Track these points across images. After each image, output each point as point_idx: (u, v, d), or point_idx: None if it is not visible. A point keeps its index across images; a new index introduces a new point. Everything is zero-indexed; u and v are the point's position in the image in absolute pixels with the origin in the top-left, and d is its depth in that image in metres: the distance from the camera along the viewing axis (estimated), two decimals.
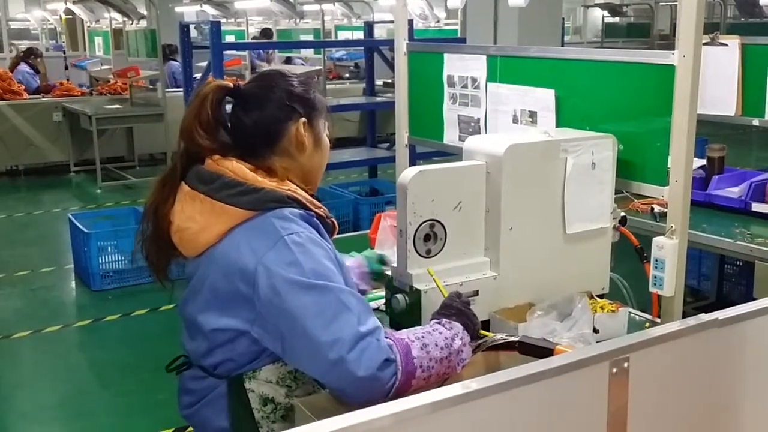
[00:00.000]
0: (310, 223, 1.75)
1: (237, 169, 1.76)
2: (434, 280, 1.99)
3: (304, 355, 1.63)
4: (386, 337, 1.64)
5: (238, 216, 1.71)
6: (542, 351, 1.74)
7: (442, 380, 1.68)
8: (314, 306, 1.61)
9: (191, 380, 1.86)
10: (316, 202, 1.82)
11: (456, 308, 1.81)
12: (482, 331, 1.84)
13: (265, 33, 13.67)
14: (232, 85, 1.87)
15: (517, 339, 1.81)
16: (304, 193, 1.81)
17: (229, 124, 1.87)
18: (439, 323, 1.76)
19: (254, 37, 13.59)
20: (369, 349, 1.58)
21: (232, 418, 1.79)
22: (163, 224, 1.80)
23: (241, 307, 1.70)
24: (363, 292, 2.16)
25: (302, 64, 12.39)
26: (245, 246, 1.68)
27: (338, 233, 1.96)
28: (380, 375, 1.57)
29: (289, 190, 1.77)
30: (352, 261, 2.26)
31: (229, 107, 1.90)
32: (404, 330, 1.73)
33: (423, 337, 1.69)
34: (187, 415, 1.88)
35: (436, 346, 1.68)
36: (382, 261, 2.30)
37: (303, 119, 1.84)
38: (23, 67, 10.66)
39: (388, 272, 2.17)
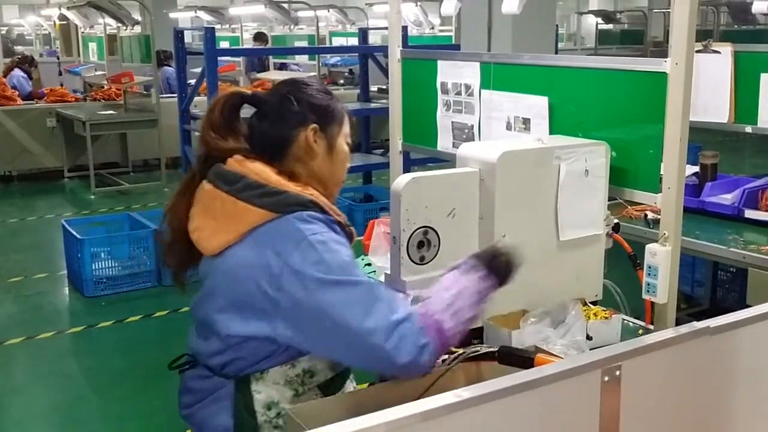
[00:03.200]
0: (331, 227, 1.76)
1: (261, 171, 1.78)
2: None
3: (342, 349, 1.68)
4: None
5: (258, 217, 1.73)
6: (523, 360, 1.73)
7: None
8: (346, 300, 1.64)
9: (194, 379, 1.86)
10: (337, 209, 1.84)
11: (504, 261, 1.79)
12: (453, 348, 1.81)
13: (259, 37, 13.40)
14: (249, 93, 1.90)
15: (496, 349, 1.81)
16: (325, 200, 1.82)
17: (247, 132, 1.90)
18: (476, 269, 1.75)
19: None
20: (407, 336, 1.62)
21: (235, 420, 1.79)
22: (182, 226, 1.83)
23: (263, 311, 1.71)
24: None
25: (298, 70, 12.39)
26: (269, 249, 1.70)
27: None
28: (419, 360, 1.62)
29: (311, 194, 1.78)
30: None
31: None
32: (434, 297, 1.72)
33: (453, 302, 1.69)
34: (186, 415, 1.88)
35: (468, 306, 1.71)
36: None
37: (314, 125, 1.85)
38: (17, 72, 10.63)
39: None
